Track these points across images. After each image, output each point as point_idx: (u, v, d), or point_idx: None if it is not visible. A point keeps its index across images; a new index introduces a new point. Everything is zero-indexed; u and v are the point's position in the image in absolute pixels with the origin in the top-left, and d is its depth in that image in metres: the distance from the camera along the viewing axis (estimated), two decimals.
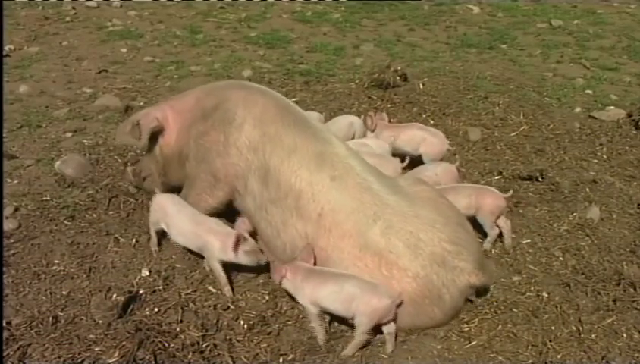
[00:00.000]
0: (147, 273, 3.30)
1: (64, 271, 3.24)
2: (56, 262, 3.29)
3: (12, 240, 3.43)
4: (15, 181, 4.09)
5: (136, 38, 7.17)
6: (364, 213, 2.94)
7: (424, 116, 5.44)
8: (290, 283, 2.94)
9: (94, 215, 3.75)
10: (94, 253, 3.40)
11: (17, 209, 3.72)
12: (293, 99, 5.66)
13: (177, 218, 3.30)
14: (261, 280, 3.29)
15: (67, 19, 7.58)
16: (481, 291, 3.14)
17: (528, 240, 3.67)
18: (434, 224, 2.93)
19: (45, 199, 3.88)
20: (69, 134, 4.79)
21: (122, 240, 3.55)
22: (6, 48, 6.31)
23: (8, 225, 3.55)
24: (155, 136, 3.69)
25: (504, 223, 3.62)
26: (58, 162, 4.25)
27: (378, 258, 2.85)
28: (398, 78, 6.00)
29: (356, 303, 2.73)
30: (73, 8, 7.95)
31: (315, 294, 2.83)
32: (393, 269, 2.82)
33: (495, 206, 3.55)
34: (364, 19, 8.36)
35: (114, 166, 4.32)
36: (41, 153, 4.49)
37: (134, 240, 3.57)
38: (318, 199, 3.01)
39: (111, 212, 3.82)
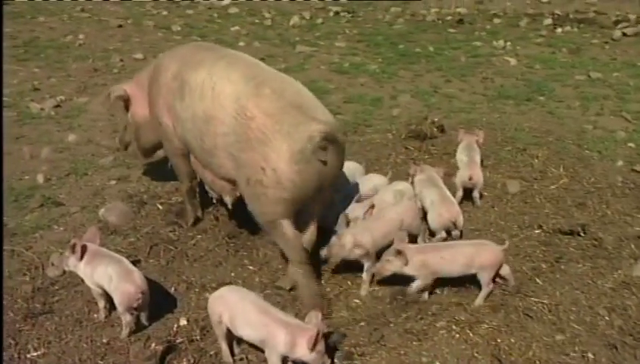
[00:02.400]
0: (185, 322, 3.34)
1: (104, 319, 3.29)
2: (97, 309, 3.35)
3: (56, 287, 3.52)
4: (61, 228, 4.22)
5: None
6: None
7: None
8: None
9: (135, 263, 3.82)
10: None
11: (63, 255, 3.81)
12: None
13: (242, 306, 3.02)
14: None
15: (115, 70, 7.88)
16: (522, 349, 3.06)
17: (571, 298, 3.57)
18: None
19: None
20: (113, 182, 4.93)
21: (161, 288, 3.61)
22: (57, 98, 6.59)
23: (53, 272, 3.64)
24: (127, 107, 4.40)
25: (504, 270, 3.67)
26: (102, 210, 4.38)
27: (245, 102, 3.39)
28: (435, 129, 6.03)
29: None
30: (121, 60, 8.27)
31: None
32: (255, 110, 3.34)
33: (495, 262, 3.56)
34: (401, 70, 8.47)
35: (155, 214, 4.42)
36: (86, 200, 4.63)
37: (173, 289, 3.62)
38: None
39: (151, 260, 3.90)
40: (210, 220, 4.37)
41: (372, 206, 3.93)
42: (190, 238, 4.14)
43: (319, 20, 11.16)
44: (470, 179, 4.70)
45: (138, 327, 3.24)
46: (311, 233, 3.61)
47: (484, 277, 3.54)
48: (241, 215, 4.43)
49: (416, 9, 12.26)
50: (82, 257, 3.24)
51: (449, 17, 11.58)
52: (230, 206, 3.87)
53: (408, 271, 3.53)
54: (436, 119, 6.19)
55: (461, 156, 5.03)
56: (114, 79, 7.55)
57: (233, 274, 3.80)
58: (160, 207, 4.53)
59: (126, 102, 4.38)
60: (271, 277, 3.77)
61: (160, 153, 4.60)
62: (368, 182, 4.48)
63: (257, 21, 11.01)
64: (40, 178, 4.90)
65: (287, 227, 3.45)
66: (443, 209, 4.06)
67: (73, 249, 3.25)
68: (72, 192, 4.75)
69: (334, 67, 8.51)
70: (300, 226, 3.53)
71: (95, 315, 3.32)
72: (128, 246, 4.00)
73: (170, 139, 4.00)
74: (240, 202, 3.72)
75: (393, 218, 3.84)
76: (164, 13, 11.25)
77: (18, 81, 7.11)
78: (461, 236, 4.13)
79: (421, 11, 12.05)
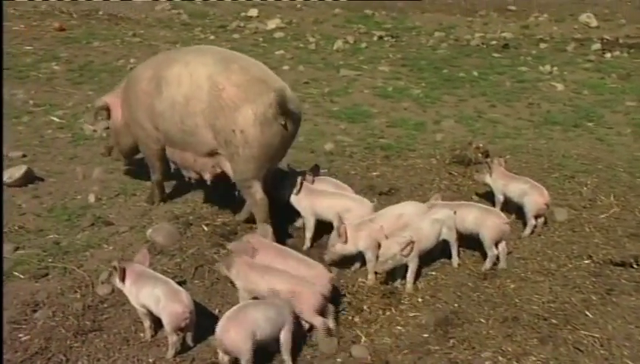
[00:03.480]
0: None
1: (150, 338, 3.35)
2: (144, 328, 3.42)
3: (105, 305, 3.61)
4: (111, 247, 4.33)
5: None
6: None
7: None
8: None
9: (180, 283, 3.88)
10: None
11: (111, 275, 3.91)
12: (374, 173, 5.79)
13: None
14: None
15: None
16: None
17: (624, 332, 3.46)
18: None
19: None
20: (160, 203, 5.04)
21: (206, 309, 3.65)
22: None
23: (103, 290, 3.74)
24: (108, 115, 5.00)
25: (502, 247, 4.17)
26: (149, 230, 4.47)
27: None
28: (480, 155, 5.97)
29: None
30: None
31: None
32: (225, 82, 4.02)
33: (497, 227, 4.14)
34: (444, 95, 8.43)
35: (200, 235, 4.49)
36: (134, 220, 4.74)
37: (217, 310, 3.66)
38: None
39: (196, 281, 3.96)
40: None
41: (412, 242, 3.88)
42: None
43: (363, 45, 11.23)
44: (546, 205, 4.62)
45: (183, 348, 3.28)
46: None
47: (486, 241, 4.19)
48: (284, 239, 4.51)
49: (460, 34, 12.22)
50: (124, 278, 3.32)
51: (493, 42, 11.49)
52: (209, 183, 4.47)
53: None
54: (481, 144, 6.14)
55: (517, 183, 4.83)
56: None
57: None
58: (205, 228, 4.60)
59: (107, 111, 4.99)
60: None
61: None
62: (400, 209, 4.29)
63: (301, 45, 11.16)
64: (92, 198, 5.05)
65: (257, 188, 4.18)
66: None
67: (115, 270, 3.35)
68: (121, 212, 4.88)
69: (378, 91, 8.54)
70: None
71: (142, 335, 3.39)
72: (174, 266, 4.08)
73: (149, 143, 4.60)
74: (219, 179, 4.38)
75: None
76: (212, 37, 11.51)
77: (73, 103, 7.37)
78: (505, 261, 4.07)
79: (465, 36, 12.00)
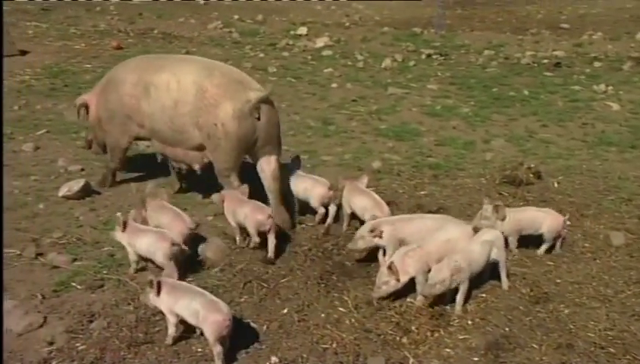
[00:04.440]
0: (276, 360, 3.39)
1: (201, 351, 3.41)
2: (195, 342, 3.48)
3: (157, 318, 3.67)
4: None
5: None
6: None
7: None
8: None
9: (229, 298, 3.94)
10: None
11: (144, 291, 4.00)
12: (422, 192, 5.74)
13: None
14: None
15: None
16: None
17: None
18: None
19: (187, 279, 4.14)
20: (210, 218, 5.13)
21: (253, 325, 3.69)
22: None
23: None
24: (88, 112, 5.50)
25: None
26: (200, 245, 4.55)
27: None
28: (531, 175, 5.88)
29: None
30: None
31: None
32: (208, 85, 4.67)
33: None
34: (494, 114, 8.33)
35: (249, 251, 4.54)
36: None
37: (265, 327, 3.69)
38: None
39: (245, 297, 3.99)
40: (302, 259, 4.44)
41: (459, 269, 3.83)
42: (282, 277, 4.22)
43: (411, 63, 11.23)
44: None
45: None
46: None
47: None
48: (332, 256, 4.52)
49: (510, 52, 12.08)
50: (159, 292, 3.44)
51: (545, 61, 11.31)
52: (199, 173, 5.05)
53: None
54: (532, 165, 6.05)
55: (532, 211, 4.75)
56: None
57: (323, 316, 3.82)
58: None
59: (87, 109, 5.48)
60: (362, 321, 3.76)
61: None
62: (446, 234, 4.16)
63: (350, 63, 11.24)
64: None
65: (234, 177, 4.79)
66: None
67: (151, 284, 3.46)
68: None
69: (426, 109, 8.51)
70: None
71: (193, 348, 3.44)
72: (223, 281, 4.14)
73: (120, 138, 5.26)
74: (208, 169, 4.94)
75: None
76: (261, 55, 11.73)
77: None
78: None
79: (515, 54, 11.85)
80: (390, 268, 3.88)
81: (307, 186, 4.98)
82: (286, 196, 5.02)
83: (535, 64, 11.12)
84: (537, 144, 7.18)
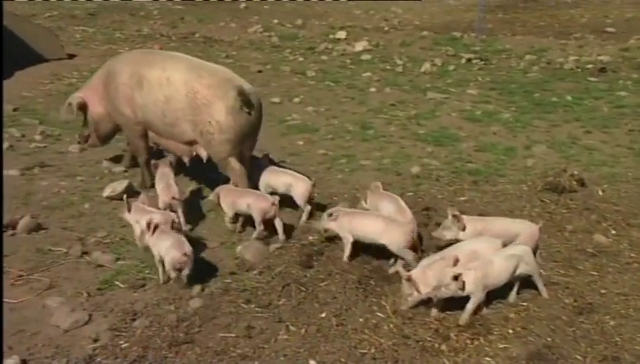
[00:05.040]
0: None
1: (240, 353, 3.44)
2: (234, 343, 3.52)
3: (197, 318, 3.73)
4: (202, 262, 4.48)
5: (312, 132, 7.67)
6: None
7: (604, 224, 5.13)
8: None
9: (268, 301, 3.97)
10: (267, 339, 3.58)
11: (202, 289, 4.07)
12: (462, 198, 5.68)
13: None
14: None
15: None
16: None
17: None
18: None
19: (226, 280, 4.20)
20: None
21: (292, 328, 3.71)
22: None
23: (195, 303, 3.89)
24: (84, 109, 5.81)
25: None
26: (239, 247, 4.61)
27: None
28: (574, 183, 5.76)
29: None
30: None
31: None
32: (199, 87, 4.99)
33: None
34: (535, 119, 8.18)
35: (288, 254, 4.57)
36: (224, 236, 4.89)
37: (303, 330, 3.71)
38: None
39: (283, 299, 4.02)
40: (340, 263, 4.44)
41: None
42: (321, 280, 4.23)
43: (451, 67, 11.13)
44: None
45: None
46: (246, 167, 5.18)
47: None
48: (370, 261, 4.50)
49: (553, 57, 11.84)
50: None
51: (589, 65, 11.05)
52: (187, 164, 5.42)
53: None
54: (575, 172, 5.93)
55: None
56: None
57: (361, 320, 3.81)
58: (292, 247, 4.68)
59: (83, 106, 5.79)
60: (401, 326, 3.74)
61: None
62: (473, 245, 4.10)
63: (388, 68, 11.21)
64: (182, 214, 5.26)
65: (234, 162, 5.07)
66: None
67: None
68: (212, 228, 5.05)
69: (466, 114, 8.42)
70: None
71: (231, 348, 3.48)
72: (262, 283, 4.17)
73: (130, 125, 5.50)
74: (195, 160, 5.34)
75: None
76: (300, 59, 11.79)
77: None
78: None
79: (558, 59, 11.62)
80: (409, 280, 3.84)
81: (290, 182, 5.14)
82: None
83: (579, 69, 10.88)
84: (580, 151, 7.03)
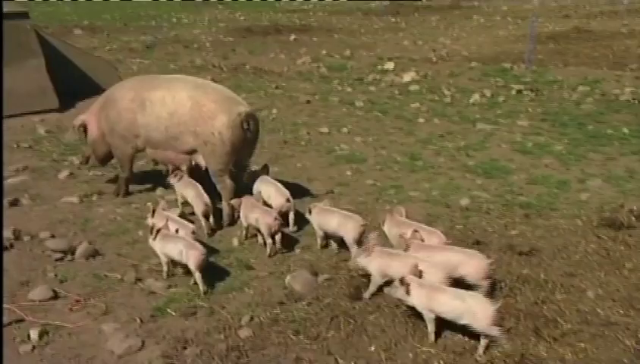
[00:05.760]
0: None
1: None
2: None
3: (246, 348, 3.76)
4: (251, 291, 4.53)
5: (360, 162, 7.69)
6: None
7: None
8: None
9: (316, 333, 3.96)
10: None
11: (252, 318, 4.10)
12: (513, 232, 5.57)
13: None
14: None
15: (303, 143, 8.46)
16: None
17: None
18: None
19: (275, 311, 4.22)
20: (298, 250, 5.22)
21: (341, 361, 3.70)
22: (252, 168, 7.22)
23: (244, 333, 3.92)
24: (85, 131, 6.32)
25: None
26: (288, 277, 4.63)
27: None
28: (633, 218, 5.57)
29: None
30: (308, 133, 8.87)
31: None
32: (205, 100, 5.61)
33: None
34: (590, 152, 7.99)
35: (336, 285, 4.56)
36: (273, 266, 4.93)
37: (352, 363, 3.67)
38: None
39: (332, 331, 4.00)
40: (389, 296, 4.40)
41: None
42: (370, 313, 4.20)
43: (500, 98, 11.02)
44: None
45: None
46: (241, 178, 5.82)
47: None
48: None
49: (607, 88, 11.57)
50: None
51: None
52: (186, 172, 5.83)
53: None
54: (634, 207, 5.73)
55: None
56: (302, 151, 8.11)
57: (411, 355, 3.76)
58: (341, 278, 4.67)
59: (85, 128, 6.29)
60: (450, 362, 3.66)
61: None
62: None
63: (437, 98, 11.18)
64: (235, 242, 5.35)
65: (226, 176, 5.67)
66: None
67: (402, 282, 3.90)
68: (261, 257, 5.10)
69: (517, 146, 8.30)
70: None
71: None
72: (311, 315, 4.16)
73: (125, 147, 6.05)
74: (194, 170, 5.81)
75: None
76: (349, 90, 11.90)
77: None
78: None
79: (613, 91, 11.34)
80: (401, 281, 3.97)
81: (270, 194, 5.64)
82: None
83: (636, 101, 10.59)
84: (638, 185, 6.80)
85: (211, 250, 5.17)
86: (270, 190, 5.66)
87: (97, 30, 20.27)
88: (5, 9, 9.04)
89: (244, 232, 5.38)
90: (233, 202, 5.51)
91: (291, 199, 5.60)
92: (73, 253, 4.96)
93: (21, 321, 4.08)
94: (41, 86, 9.54)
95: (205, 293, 4.42)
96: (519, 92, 11.42)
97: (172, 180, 5.76)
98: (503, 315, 4.09)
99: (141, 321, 4.07)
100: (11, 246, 5.11)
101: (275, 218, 5.07)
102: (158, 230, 4.61)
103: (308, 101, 10.84)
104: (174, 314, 4.18)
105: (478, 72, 13.28)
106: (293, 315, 4.16)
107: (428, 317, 3.86)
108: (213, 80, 12.15)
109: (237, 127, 5.51)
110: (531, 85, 11.92)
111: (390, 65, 13.99)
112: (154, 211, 5.03)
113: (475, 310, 3.71)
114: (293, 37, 18.85)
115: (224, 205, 5.72)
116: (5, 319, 4.07)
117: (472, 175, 7.22)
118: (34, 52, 9.57)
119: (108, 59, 12.69)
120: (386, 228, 4.84)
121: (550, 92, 11.50)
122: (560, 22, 22.48)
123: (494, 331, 3.73)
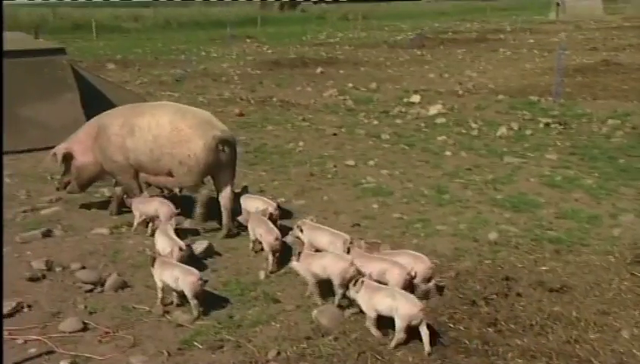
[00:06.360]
0: None
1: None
2: None
3: None
4: (278, 324, 4.52)
5: (387, 195, 7.68)
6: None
7: None
8: None
9: None
10: None
11: (278, 353, 4.08)
12: (543, 268, 5.48)
13: None
14: None
15: (329, 176, 8.49)
16: None
17: None
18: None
19: (302, 345, 4.19)
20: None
21: None
22: (278, 200, 7.27)
23: None
24: (67, 159, 6.64)
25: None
26: (314, 311, 4.61)
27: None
28: None
29: None
30: (334, 166, 8.91)
31: None
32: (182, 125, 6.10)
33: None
34: (621, 186, 7.85)
35: (363, 320, 4.52)
36: (300, 300, 4.92)
37: None
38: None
39: None
40: (416, 332, 4.34)
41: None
42: (398, 350, 4.15)
43: (528, 132, 10.95)
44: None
45: None
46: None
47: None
48: (447, 331, 4.37)
49: (638, 121, 11.43)
50: None
51: None
52: (177, 192, 6.86)
53: None
54: None
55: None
56: (328, 184, 8.14)
57: None
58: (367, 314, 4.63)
59: (67, 156, 6.62)
60: None
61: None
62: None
63: (463, 131, 11.16)
64: (262, 275, 5.36)
65: (200, 189, 6.27)
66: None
67: None
68: (288, 291, 5.09)
69: (545, 180, 8.21)
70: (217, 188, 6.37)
71: None
72: (338, 350, 4.13)
73: (123, 169, 6.41)
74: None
75: None
76: (375, 122, 11.96)
77: (248, 183, 7.95)
78: None
79: None
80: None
81: (258, 206, 6.06)
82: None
83: None
84: None
85: (238, 283, 5.22)
86: (258, 204, 6.17)
87: (129, 64, 20.82)
88: (43, 45, 9.37)
89: (251, 244, 5.84)
90: (242, 218, 6.18)
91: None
92: (102, 285, 5.03)
93: (52, 353, 4.13)
94: (75, 118, 9.76)
95: (197, 317, 4.55)
96: (547, 125, 11.34)
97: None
98: (534, 354, 4.02)
99: (168, 354, 4.08)
100: (44, 276, 5.21)
101: (276, 238, 5.38)
102: (154, 258, 4.84)
103: (334, 134, 10.92)
104: (200, 347, 4.19)
105: (505, 105, 13.25)
106: (319, 349, 4.13)
107: (370, 316, 4.34)
108: (241, 112, 12.47)
109: (212, 150, 6.00)
110: (560, 118, 11.84)
111: (416, 98, 14.05)
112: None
113: (399, 307, 4.19)
114: (319, 70, 19.09)
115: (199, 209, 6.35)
116: (36, 351, 4.13)
117: (500, 209, 7.15)
118: (69, 86, 9.87)
119: (138, 92, 13.00)
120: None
121: (579, 126, 11.40)
122: (587, 55, 22.37)
123: (423, 332, 4.16)
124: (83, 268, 5.37)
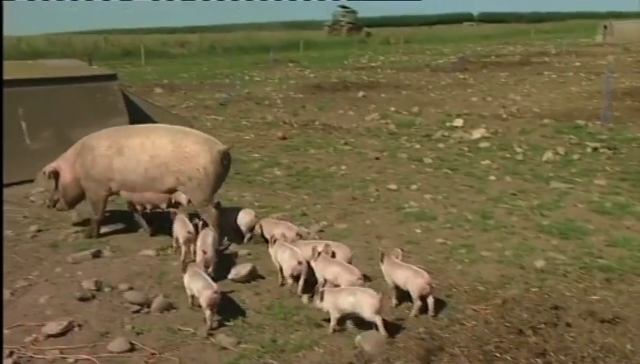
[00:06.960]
0: None
1: None
2: None
3: None
4: (321, 350, 4.49)
5: (430, 220, 7.61)
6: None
7: None
8: None
9: None
10: None
11: None
12: (593, 297, 5.31)
13: None
14: None
15: (372, 200, 8.48)
16: None
17: None
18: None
19: None
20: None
21: None
22: (321, 223, 7.29)
23: None
24: (56, 177, 6.83)
25: None
26: (358, 337, 4.58)
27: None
28: None
29: None
30: (377, 190, 8.89)
31: None
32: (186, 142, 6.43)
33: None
34: None
35: (409, 347, 4.47)
36: (343, 324, 4.89)
37: None
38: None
39: None
40: (459, 360, 4.27)
41: None
42: None
43: (575, 156, 10.72)
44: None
45: None
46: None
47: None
48: (493, 361, 4.28)
49: None
50: None
51: None
52: (165, 209, 6.67)
53: None
54: None
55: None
56: (371, 208, 8.12)
57: None
58: (411, 339, 4.58)
59: (55, 174, 6.82)
60: None
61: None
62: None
63: (508, 156, 11.00)
64: (304, 299, 5.36)
65: (211, 208, 6.44)
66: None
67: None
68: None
69: (594, 206, 7.99)
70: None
71: None
72: None
73: (99, 191, 6.66)
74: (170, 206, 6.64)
75: None
76: (417, 146, 11.92)
77: (290, 206, 8.07)
78: None
79: None
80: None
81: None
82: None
83: None
84: None
85: (281, 306, 5.23)
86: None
87: (175, 88, 21.41)
88: (96, 72, 9.74)
89: (279, 276, 5.75)
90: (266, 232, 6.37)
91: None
92: (149, 306, 5.12)
93: None
94: None
95: (209, 332, 4.69)
96: (595, 149, 11.08)
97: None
98: None
99: None
100: (93, 296, 5.34)
101: (299, 262, 5.43)
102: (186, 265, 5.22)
103: (376, 158, 10.92)
104: None
105: (551, 129, 13.02)
106: None
107: (334, 316, 4.67)
108: (284, 136, 12.62)
109: (218, 163, 6.37)
110: (608, 142, 11.55)
111: (459, 121, 13.95)
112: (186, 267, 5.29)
113: (362, 302, 4.54)
114: (361, 94, 19.19)
115: (212, 230, 6.28)
116: None
117: (547, 236, 6.99)
118: (120, 111, 10.21)
119: (184, 116, 13.34)
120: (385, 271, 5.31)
121: (630, 150, 11.09)
122: (637, 77, 21.84)
123: (378, 320, 4.54)
124: (131, 288, 5.49)
